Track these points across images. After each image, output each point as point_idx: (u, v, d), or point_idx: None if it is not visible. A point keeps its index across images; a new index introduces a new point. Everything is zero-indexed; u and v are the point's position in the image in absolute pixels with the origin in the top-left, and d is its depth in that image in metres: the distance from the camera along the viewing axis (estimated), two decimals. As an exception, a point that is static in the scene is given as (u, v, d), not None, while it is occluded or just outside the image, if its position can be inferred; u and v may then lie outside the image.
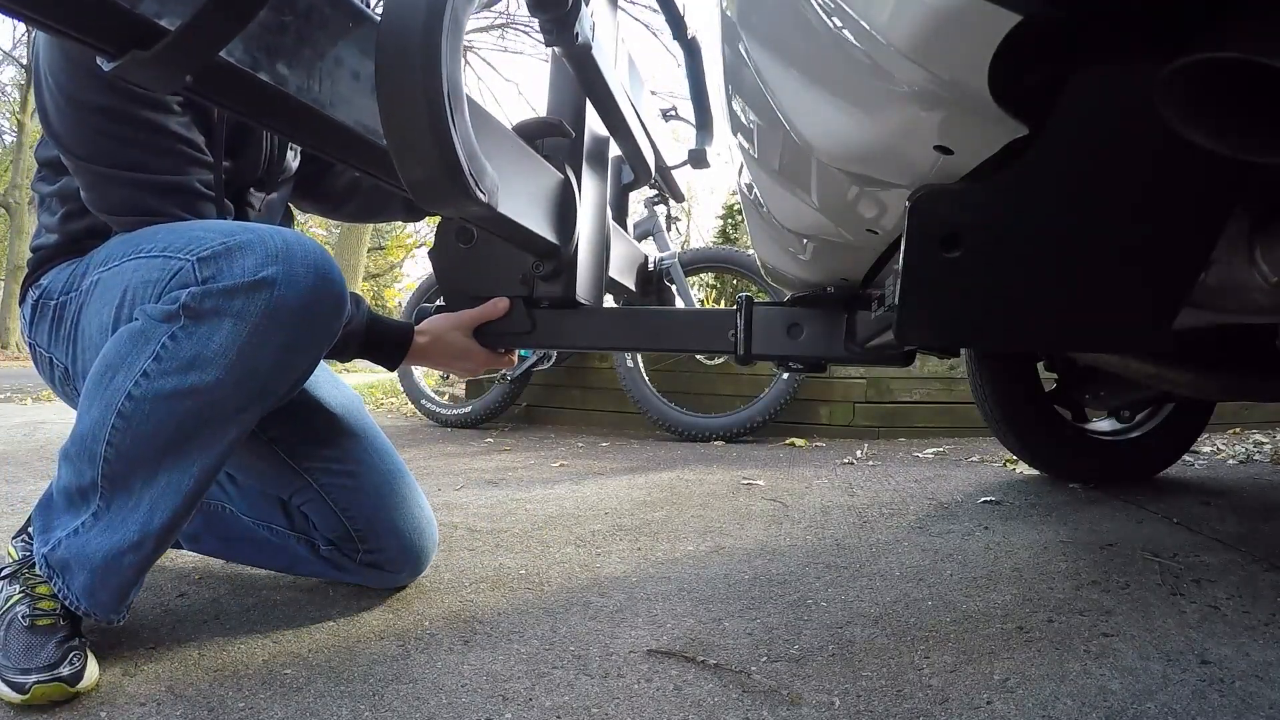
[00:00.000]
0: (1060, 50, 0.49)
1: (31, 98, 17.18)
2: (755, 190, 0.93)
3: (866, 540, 1.51)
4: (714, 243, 8.23)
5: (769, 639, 1.02)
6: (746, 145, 0.85)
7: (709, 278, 6.47)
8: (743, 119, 0.81)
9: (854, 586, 1.23)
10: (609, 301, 1.49)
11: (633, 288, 1.57)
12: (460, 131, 0.66)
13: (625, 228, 1.65)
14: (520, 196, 0.95)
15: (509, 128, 1.02)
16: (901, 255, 0.62)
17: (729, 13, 0.72)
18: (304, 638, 1.03)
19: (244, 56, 0.59)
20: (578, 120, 1.23)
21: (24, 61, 16.70)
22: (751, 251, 2.96)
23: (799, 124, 0.64)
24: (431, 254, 1.20)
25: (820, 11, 0.52)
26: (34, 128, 16.45)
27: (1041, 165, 0.54)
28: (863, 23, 0.47)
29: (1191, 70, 0.43)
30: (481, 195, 0.71)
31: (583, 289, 1.19)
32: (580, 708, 0.84)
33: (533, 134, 1.12)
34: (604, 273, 1.31)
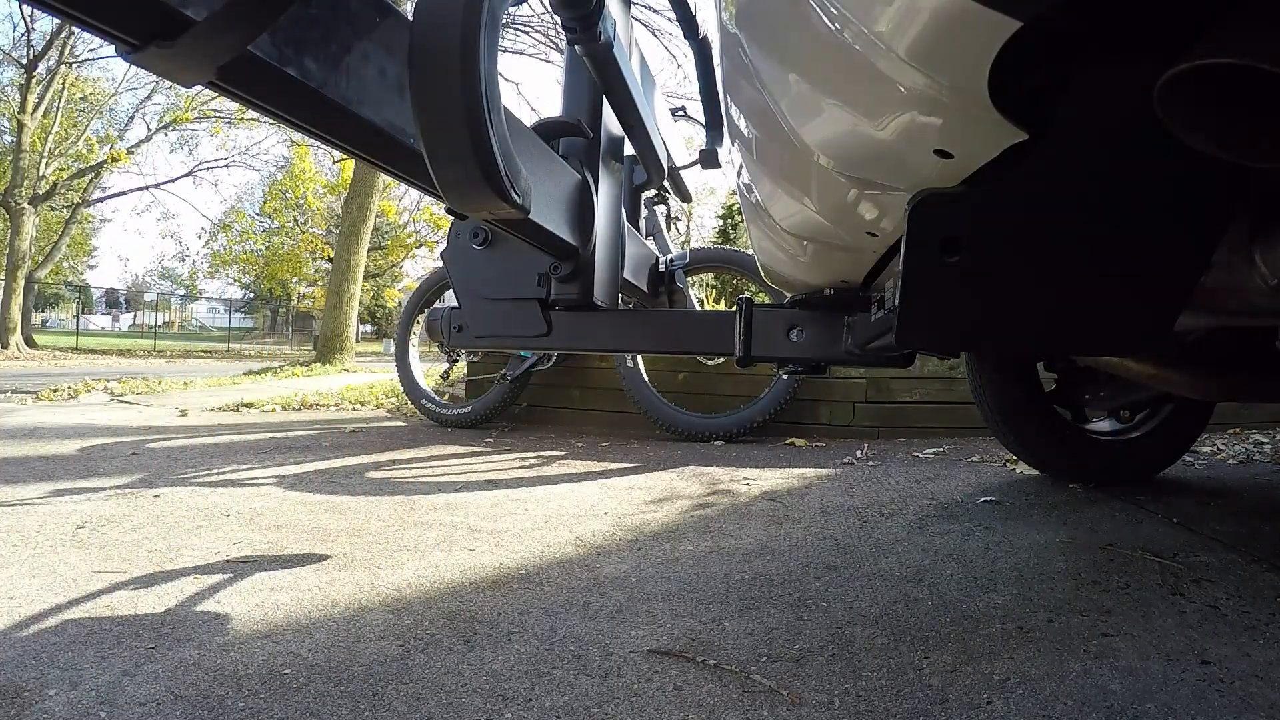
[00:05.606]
0: (1060, 56, 0.49)
1: (31, 98, 16.82)
2: (755, 193, 0.93)
3: (866, 540, 1.51)
4: (714, 242, 8.23)
5: (769, 639, 1.02)
6: (746, 148, 0.85)
7: (709, 277, 6.47)
8: (742, 122, 0.82)
9: (854, 586, 1.23)
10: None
11: (644, 289, 1.57)
12: (497, 132, 0.63)
13: (638, 228, 1.65)
14: (541, 197, 0.94)
15: (529, 127, 1.02)
16: (901, 258, 0.62)
17: (729, 16, 0.72)
18: (304, 638, 1.03)
19: (271, 50, 0.57)
20: (594, 120, 1.22)
21: (24, 61, 16.59)
22: (751, 251, 2.95)
23: (799, 127, 0.64)
24: (444, 254, 1.18)
25: (822, 16, 0.52)
26: (34, 127, 16.21)
27: (1041, 169, 0.55)
28: (864, 28, 0.48)
29: (1191, 75, 0.43)
30: (517, 198, 0.69)
31: (599, 291, 1.18)
32: (580, 708, 0.84)
33: (551, 133, 1.11)
34: (619, 274, 1.30)
